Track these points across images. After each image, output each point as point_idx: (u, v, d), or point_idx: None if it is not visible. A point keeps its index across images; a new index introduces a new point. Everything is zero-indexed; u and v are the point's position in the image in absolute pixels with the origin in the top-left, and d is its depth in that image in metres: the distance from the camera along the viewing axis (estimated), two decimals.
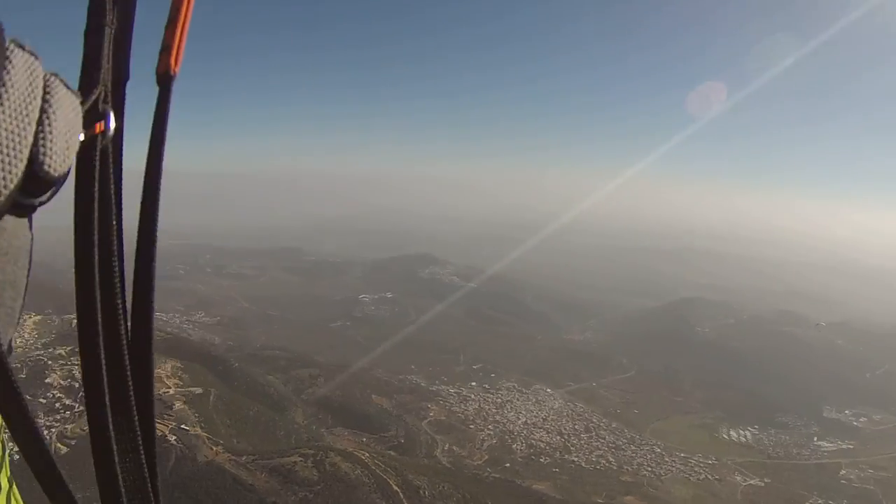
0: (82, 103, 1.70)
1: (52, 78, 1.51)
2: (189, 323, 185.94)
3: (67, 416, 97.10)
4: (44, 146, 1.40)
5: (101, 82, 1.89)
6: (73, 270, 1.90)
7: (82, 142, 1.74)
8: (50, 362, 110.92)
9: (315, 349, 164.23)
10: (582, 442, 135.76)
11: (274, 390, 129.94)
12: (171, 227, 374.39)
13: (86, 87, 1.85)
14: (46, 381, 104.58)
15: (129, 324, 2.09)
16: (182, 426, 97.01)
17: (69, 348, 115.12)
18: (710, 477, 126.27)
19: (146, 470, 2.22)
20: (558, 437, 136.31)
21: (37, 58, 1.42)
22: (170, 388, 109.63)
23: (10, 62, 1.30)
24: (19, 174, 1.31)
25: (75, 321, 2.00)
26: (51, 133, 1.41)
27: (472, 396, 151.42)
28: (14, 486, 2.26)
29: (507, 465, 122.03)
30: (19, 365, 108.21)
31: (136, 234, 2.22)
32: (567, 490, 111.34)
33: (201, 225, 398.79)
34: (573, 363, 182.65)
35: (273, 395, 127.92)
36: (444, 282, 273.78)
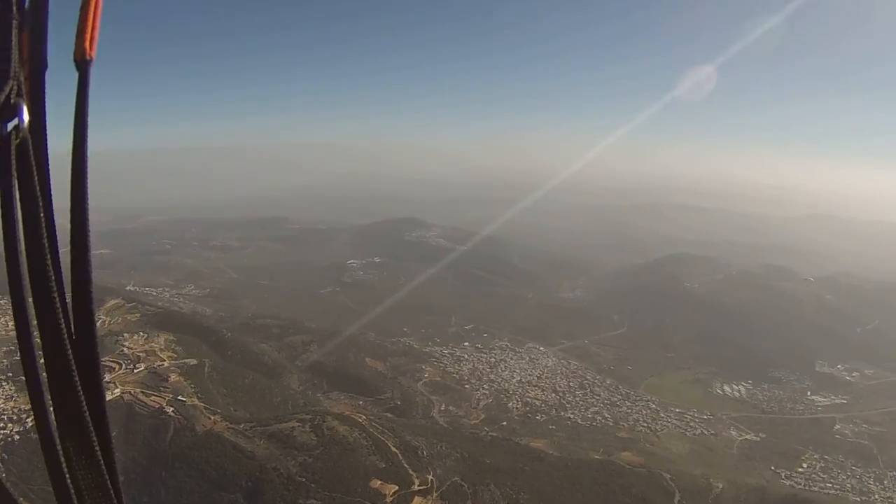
0: None
1: None
2: (179, 296, 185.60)
3: None
4: None
5: (12, 76, 1.88)
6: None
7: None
8: None
9: (306, 316, 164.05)
10: (577, 399, 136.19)
11: (268, 358, 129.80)
12: (154, 204, 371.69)
13: None
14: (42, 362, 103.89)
15: (70, 322, 1.99)
16: (179, 397, 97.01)
17: None
18: (705, 432, 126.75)
19: (104, 470, 2.03)
20: (553, 395, 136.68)
21: None
22: (164, 360, 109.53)
23: None
24: None
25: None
26: None
27: (466, 357, 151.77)
28: None
29: (504, 423, 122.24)
30: (13, 348, 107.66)
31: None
32: (564, 447, 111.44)
33: (184, 200, 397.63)
34: (565, 321, 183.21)
35: (267, 362, 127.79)
36: (432, 244, 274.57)
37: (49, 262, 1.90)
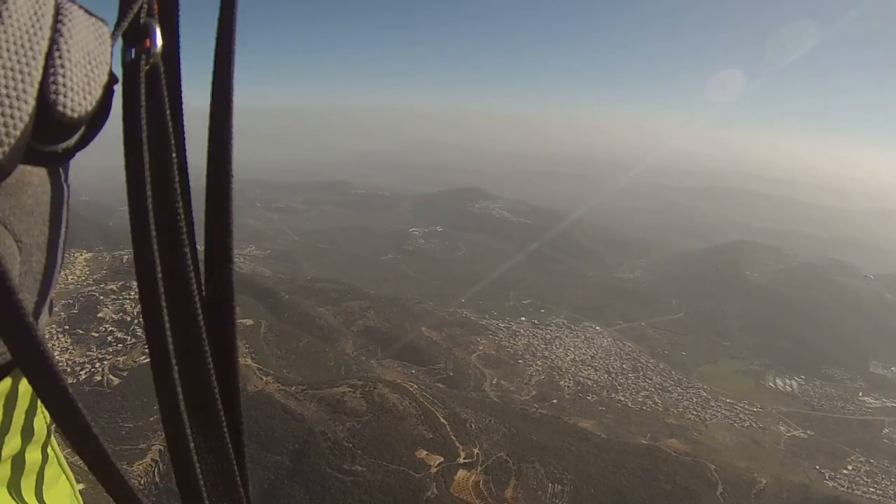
0: (122, 18, 1.44)
1: (66, 1, 1.25)
2: (240, 256, 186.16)
3: (119, 348, 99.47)
4: (55, 82, 1.16)
5: None
6: (129, 219, 1.48)
7: (125, 64, 1.45)
8: (102, 297, 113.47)
9: (365, 282, 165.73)
10: (629, 381, 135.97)
11: (324, 322, 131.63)
12: None
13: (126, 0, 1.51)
14: (98, 315, 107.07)
15: (202, 280, 1.69)
16: None
17: (120, 283, 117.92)
18: (754, 425, 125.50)
19: (231, 454, 1.76)
20: (606, 376, 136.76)
21: None
22: None
23: None
24: (25, 117, 1.08)
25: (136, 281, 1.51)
26: (64, 66, 1.17)
27: (522, 331, 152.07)
28: (62, 459, 2.00)
29: (555, 401, 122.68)
30: (72, 301, 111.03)
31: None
32: (612, 429, 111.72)
33: (248, 160, 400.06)
34: (622, 302, 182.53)
35: (323, 326, 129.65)
36: (495, 216, 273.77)
37: (181, 214, 1.57)
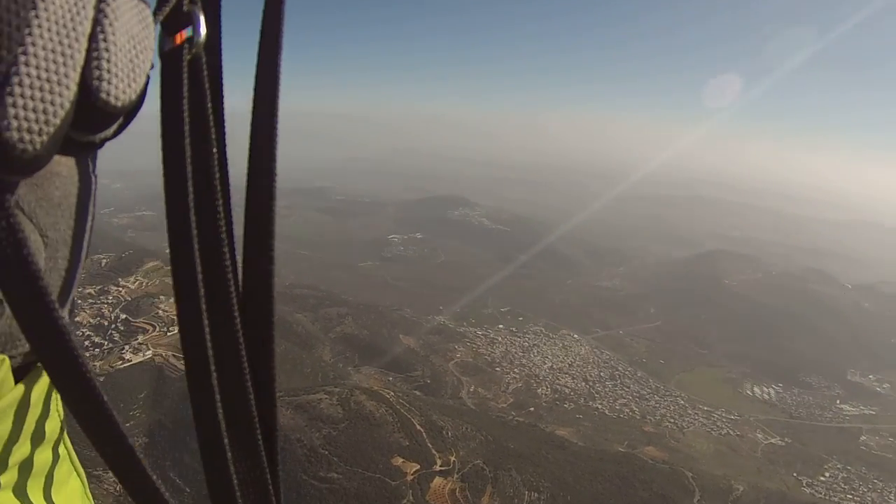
0: (162, 5, 1.31)
1: None
2: None
3: (97, 353, 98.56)
4: (99, 68, 1.04)
5: None
6: (165, 221, 1.46)
7: (166, 52, 1.36)
8: (79, 301, 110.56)
9: (344, 288, 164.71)
10: (607, 389, 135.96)
11: (302, 328, 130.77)
12: None
13: None
14: (76, 320, 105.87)
15: (239, 285, 1.67)
16: None
17: (98, 287, 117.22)
18: (731, 432, 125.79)
19: (266, 466, 1.72)
20: (583, 384, 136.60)
21: None
22: None
23: None
24: (66, 105, 0.96)
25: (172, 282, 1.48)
26: (108, 51, 1.05)
27: (500, 339, 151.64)
28: (73, 455, 1.93)
29: (532, 409, 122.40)
30: None
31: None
32: (589, 437, 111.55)
33: (231, 164, 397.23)
34: (601, 310, 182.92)
35: (301, 332, 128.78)
36: (474, 224, 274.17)
37: (221, 212, 1.55)
